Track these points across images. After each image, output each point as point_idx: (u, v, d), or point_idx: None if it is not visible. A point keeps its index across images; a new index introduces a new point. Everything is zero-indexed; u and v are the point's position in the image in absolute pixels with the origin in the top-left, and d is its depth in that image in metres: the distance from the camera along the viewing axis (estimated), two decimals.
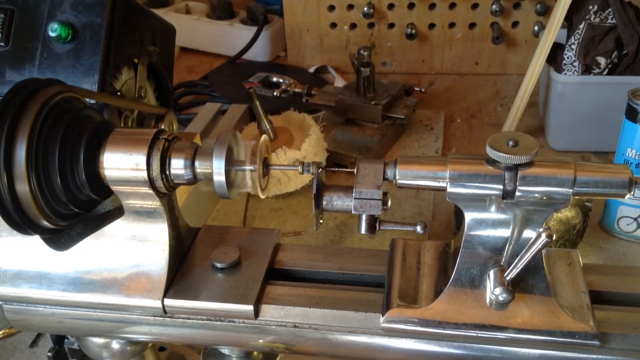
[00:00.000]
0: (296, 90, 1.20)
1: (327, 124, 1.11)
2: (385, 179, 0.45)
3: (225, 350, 0.56)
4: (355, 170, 0.46)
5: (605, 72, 1.01)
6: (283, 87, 1.21)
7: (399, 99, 1.16)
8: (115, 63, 0.67)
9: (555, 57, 1.04)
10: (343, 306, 0.48)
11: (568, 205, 0.43)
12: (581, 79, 1.02)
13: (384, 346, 0.48)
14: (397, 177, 0.45)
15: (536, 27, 1.27)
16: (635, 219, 0.86)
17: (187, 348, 0.71)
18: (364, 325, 0.47)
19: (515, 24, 1.33)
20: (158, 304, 0.48)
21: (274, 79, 1.30)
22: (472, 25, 1.35)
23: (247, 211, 0.99)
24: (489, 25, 1.33)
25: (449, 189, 0.44)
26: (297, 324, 0.48)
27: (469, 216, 0.45)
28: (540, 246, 0.42)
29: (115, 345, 0.56)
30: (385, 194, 0.45)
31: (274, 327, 0.49)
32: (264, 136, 0.47)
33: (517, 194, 0.43)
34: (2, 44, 0.68)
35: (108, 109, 0.65)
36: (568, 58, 1.02)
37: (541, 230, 0.42)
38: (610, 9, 0.98)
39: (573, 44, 1.01)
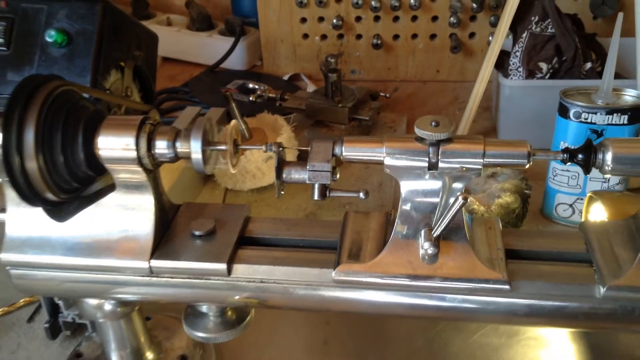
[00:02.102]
0: (270, 95, 1.29)
1: (298, 125, 1.21)
2: (334, 155, 0.55)
3: (203, 309, 0.64)
4: (309, 148, 0.55)
5: (547, 77, 1.12)
6: (258, 92, 1.30)
7: (365, 103, 1.26)
8: (104, 65, 0.76)
9: (502, 64, 1.15)
10: (302, 264, 0.57)
11: (481, 173, 0.53)
12: (525, 83, 1.13)
13: (336, 297, 0.57)
14: (344, 152, 0.54)
15: (490, 37, 1.38)
16: (571, 205, 0.97)
17: (170, 319, 0.79)
18: (319, 279, 0.56)
19: (471, 35, 1.44)
20: (145, 264, 0.57)
21: (250, 86, 1.38)
22: (432, 36, 1.46)
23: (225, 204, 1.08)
24: (448, 36, 1.44)
25: (386, 162, 0.53)
26: (263, 280, 0.57)
27: (404, 185, 0.55)
28: (458, 207, 0.51)
29: (108, 306, 0.64)
30: (334, 168, 0.55)
31: (244, 283, 0.57)
32: (233, 121, 0.57)
33: (440, 165, 0.52)
34: (4, 48, 0.76)
35: (99, 105, 0.74)
36: (514, 64, 1.13)
37: (459, 194, 0.52)
38: (549, 19, 1.10)
39: (518, 51, 1.12)
